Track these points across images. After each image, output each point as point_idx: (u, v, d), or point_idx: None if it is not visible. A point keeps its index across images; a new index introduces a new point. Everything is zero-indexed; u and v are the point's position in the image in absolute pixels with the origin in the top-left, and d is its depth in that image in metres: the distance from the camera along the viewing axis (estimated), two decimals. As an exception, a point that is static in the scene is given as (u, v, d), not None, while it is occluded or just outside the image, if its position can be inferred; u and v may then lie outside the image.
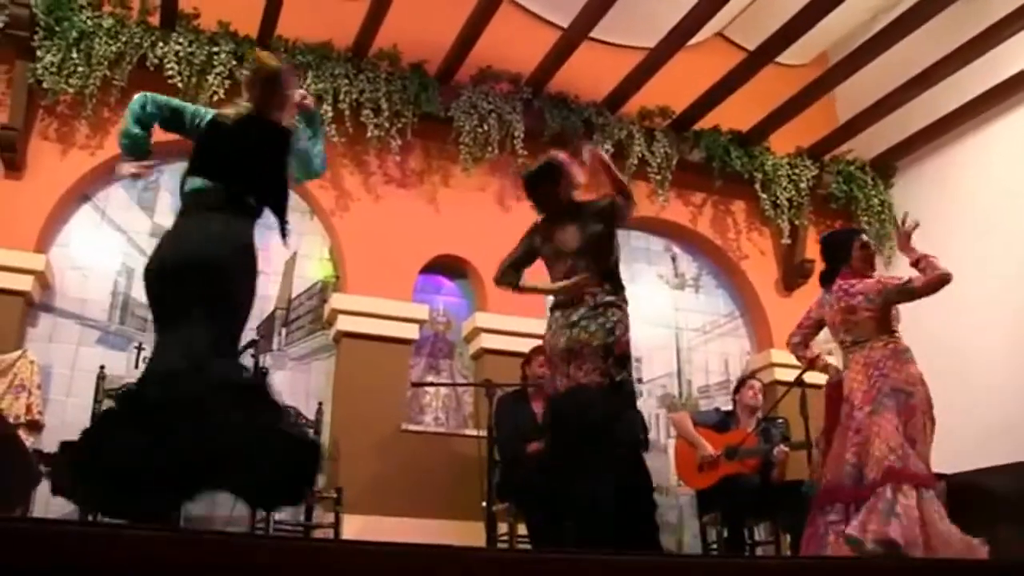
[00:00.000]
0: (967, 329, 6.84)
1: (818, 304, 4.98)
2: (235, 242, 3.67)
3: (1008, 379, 6.56)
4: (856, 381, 4.60)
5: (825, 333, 4.99)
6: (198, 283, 3.50)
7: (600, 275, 4.21)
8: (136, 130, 3.87)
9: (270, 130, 3.88)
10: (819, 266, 7.76)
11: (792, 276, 7.95)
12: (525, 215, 4.61)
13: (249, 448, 3.33)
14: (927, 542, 4.09)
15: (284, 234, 3.92)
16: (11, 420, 5.33)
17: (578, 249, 4.26)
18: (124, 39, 6.40)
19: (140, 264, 6.48)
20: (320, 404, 6.20)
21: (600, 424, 3.94)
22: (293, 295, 6.90)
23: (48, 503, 5.72)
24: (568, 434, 4.02)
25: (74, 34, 6.29)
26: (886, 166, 8.25)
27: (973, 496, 5.57)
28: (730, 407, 6.51)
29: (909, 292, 4.60)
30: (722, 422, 6.30)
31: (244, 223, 3.75)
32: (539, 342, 5.10)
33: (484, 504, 5.11)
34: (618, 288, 4.25)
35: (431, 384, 7.04)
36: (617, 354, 4.08)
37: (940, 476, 4.66)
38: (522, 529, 5.41)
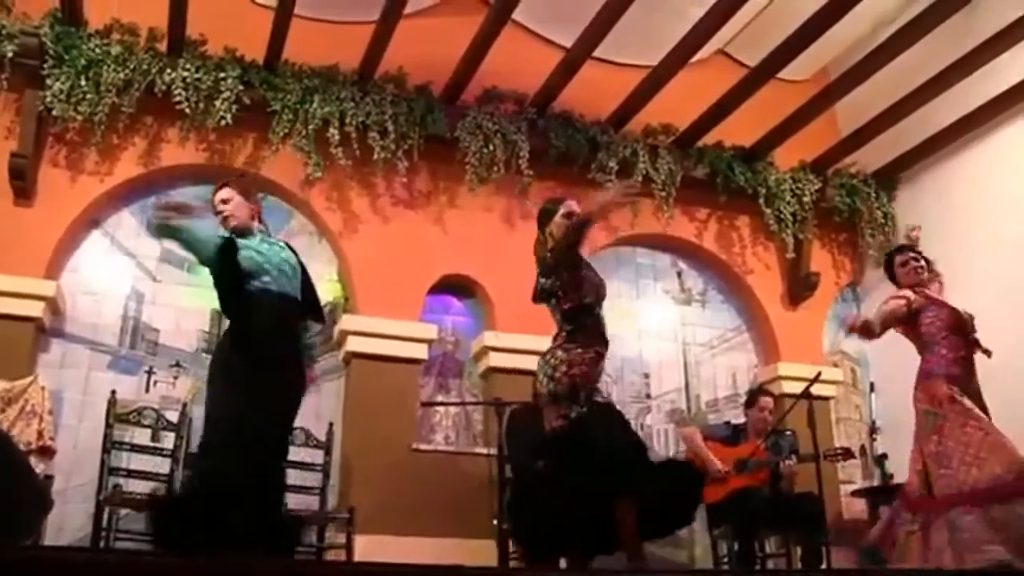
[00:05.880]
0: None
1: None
2: None
3: (1013, 394, 6.49)
4: None
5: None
6: None
7: None
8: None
9: None
10: (825, 279, 7.99)
11: (797, 289, 7.98)
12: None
13: None
14: None
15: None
16: (23, 447, 5.32)
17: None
18: (132, 66, 6.45)
19: (150, 288, 6.63)
20: (331, 424, 6.21)
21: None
22: (302, 317, 6.93)
23: (60, 530, 5.77)
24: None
25: (83, 62, 6.35)
26: (889, 178, 8.27)
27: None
28: (740, 420, 6.52)
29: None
30: (732, 436, 6.32)
31: None
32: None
33: (495, 522, 5.14)
34: None
35: (441, 403, 7.06)
36: None
37: None
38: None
